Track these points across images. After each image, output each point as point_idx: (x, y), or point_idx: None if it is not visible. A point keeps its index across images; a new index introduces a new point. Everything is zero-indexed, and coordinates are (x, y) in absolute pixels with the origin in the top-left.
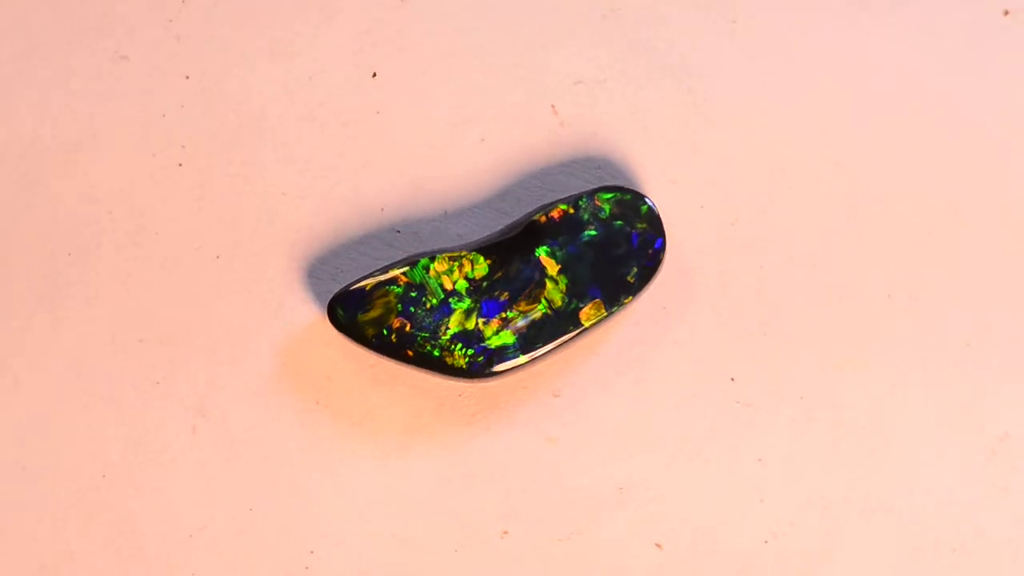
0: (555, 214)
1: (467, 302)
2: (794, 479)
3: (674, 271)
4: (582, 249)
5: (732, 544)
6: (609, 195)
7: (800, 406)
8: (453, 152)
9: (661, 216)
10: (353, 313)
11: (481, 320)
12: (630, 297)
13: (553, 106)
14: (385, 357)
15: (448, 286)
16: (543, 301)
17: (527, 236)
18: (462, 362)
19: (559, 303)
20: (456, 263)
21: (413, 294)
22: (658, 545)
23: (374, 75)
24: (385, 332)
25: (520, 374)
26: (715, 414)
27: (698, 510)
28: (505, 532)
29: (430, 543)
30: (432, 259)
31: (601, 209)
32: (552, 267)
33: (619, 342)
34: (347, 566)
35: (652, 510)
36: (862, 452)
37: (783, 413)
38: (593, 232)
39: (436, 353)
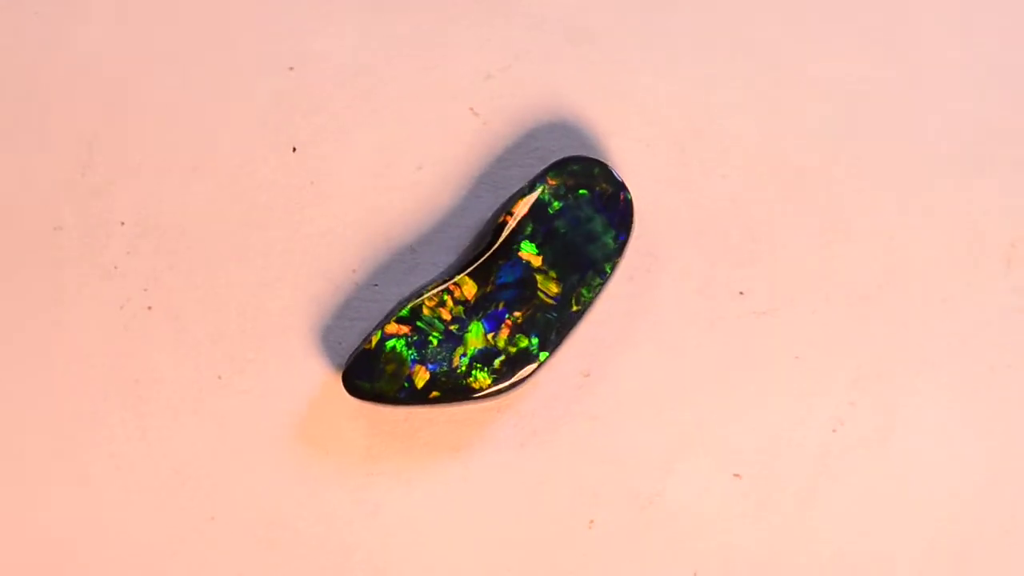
0: (518, 209)
1: (471, 325)
2: (836, 363)
3: (646, 216)
4: (557, 231)
5: (805, 446)
6: (559, 170)
7: (814, 293)
8: (397, 190)
9: (615, 170)
10: (369, 378)
11: (490, 335)
12: (617, 257)
13: (471, 108)
14: (415, 406)
15: (446, 317)
16: (539, 294)
17: (509, 239)
18: (487, 382)
19: (556, 289)
20: (444, 293)
21: (416, 337)
22: (737, 475)
23: (294, 149)
24: (406, 384)
25: (545, 369)
26: (738, 332)
27: (760, 428)
28: (591, 521)
29: (526, 557)
30: (420, 298)
31: (558, 187)
32: (536, 259)
33: (623, 301)
34: None
35: (718, 446)
36: (888, 310)
37: (800, 306)
38: (560, 210)
39: (460, 383)
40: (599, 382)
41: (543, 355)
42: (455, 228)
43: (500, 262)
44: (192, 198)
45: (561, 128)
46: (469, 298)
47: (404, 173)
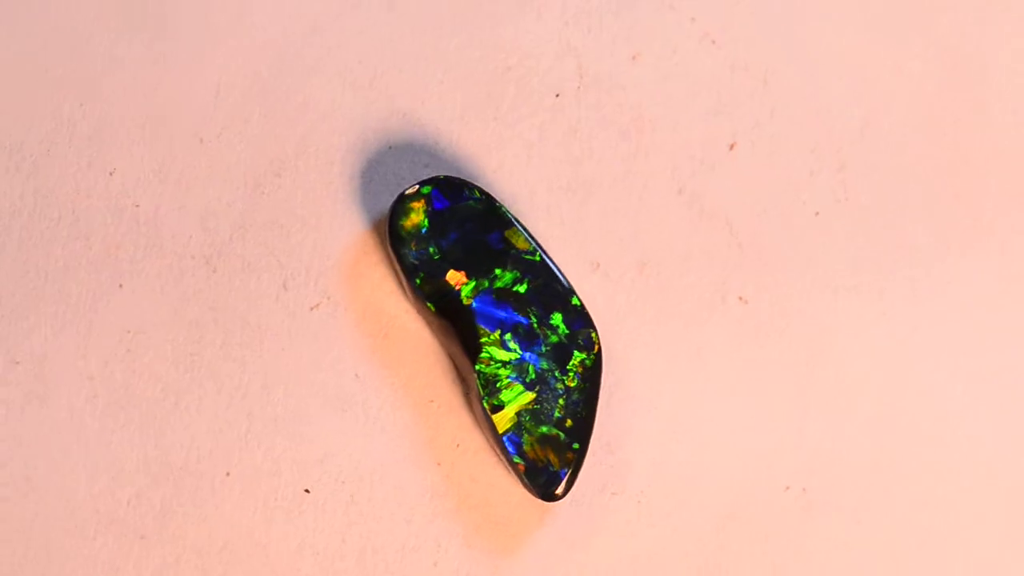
0: (425, 285)
1: (524, 369)
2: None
3: (481, 164)
4: (463, 248)
5: None
6: (396, 219)
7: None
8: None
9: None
10: (565, 477)
11: (542, 348)
12: (495, 202)
13: (284, 285)
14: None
15: (517, 373)
16: (515, 288)
17: (448, 303)
18: (590, 359)
19: (510, 275)
20: (486, 373)
21: (529, 416)
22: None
23: (227, 474)
24: (579, 431)
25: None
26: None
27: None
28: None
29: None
30: (490, 404)
31: (420, 229)
32: (470, 284)
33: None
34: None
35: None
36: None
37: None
38: (446, 239)
39: (590, 372)
40: (611, 271)
41: (575, 301)
42: (423, 349)
43: (467, 318)
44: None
45: (366, 197)
46: (501, 359)
47: (343, 387)
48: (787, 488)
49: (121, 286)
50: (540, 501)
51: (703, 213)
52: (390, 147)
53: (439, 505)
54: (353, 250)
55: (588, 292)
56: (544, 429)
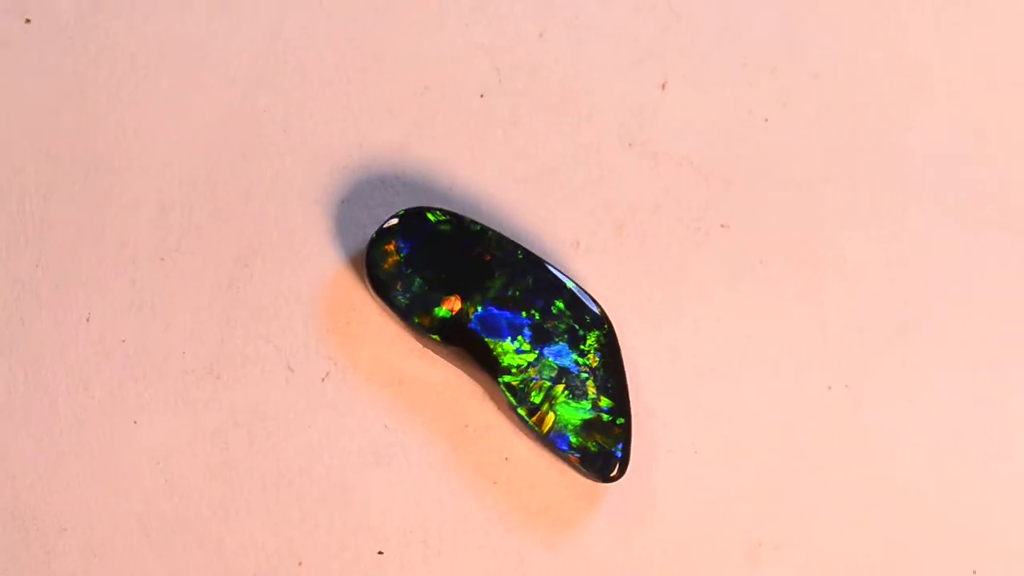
0: (425, 319)
1: (543, 364)
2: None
3: (434, 176)
4: (445, 268)
5: None
6: (371, 265)
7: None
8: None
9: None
10: (620, 460)
11: (556, 338)
12: (440, 215)
13: (289, 367)
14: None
15: (544, 365)
16: (511, 293)
17: (452, 329)
18: (598, 342)
19: (499, 282)
20: (515, 384)
21: (566, 407)
22: None
23: (299, 564)
24: (620, 421)
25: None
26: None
27: None
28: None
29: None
30: (523, 401)
31: (398, 267)
32: (465, 304)
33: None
34: None
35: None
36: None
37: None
38: (420, 261)
39: (604, 339)
40: (592, 245)
41: (571, 284)
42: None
43: (474, 337)
44: None
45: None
46: (520, 364)
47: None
48: (829, 388)
49: (135, 422)
50: (603, 484)
51: (659, 158)
52: (343, 201)
53: (509, 521)
54: (343, 310)
55: (579, 271)
56: (584, 415)
